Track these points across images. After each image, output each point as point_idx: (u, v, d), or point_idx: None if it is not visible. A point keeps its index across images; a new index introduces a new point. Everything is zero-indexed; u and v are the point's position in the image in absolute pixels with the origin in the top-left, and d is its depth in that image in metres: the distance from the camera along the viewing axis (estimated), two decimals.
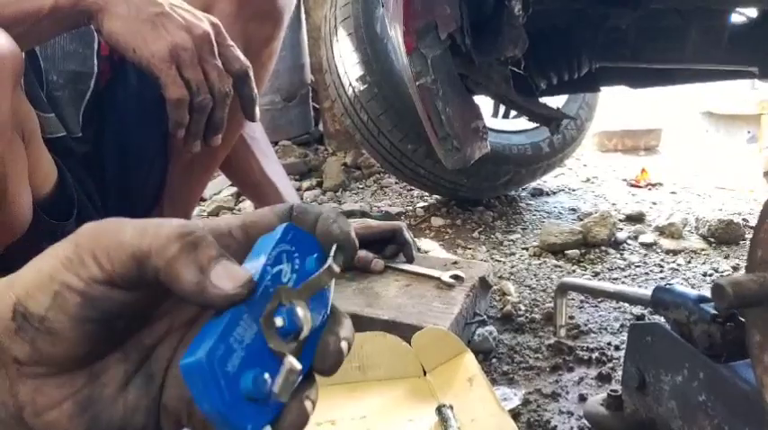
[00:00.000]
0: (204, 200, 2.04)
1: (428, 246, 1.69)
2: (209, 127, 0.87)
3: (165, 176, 1.26)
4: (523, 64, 0.87)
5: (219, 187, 2.11)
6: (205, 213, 1.97)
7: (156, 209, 1.30)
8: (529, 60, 0.83)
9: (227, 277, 0.31)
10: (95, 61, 1.06)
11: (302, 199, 2.06)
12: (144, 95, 1.11)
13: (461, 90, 0.70)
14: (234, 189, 2.11)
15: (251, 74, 0.89)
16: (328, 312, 0.35)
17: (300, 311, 0.33)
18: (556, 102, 1.90)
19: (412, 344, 0.96)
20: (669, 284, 0.80)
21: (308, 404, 0.34)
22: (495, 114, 2.01)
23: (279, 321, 0.32)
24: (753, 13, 1.13)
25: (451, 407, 0.84)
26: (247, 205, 2.00)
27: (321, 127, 2.70)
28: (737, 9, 1.13)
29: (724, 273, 1.47)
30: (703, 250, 1.62)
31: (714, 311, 0.70)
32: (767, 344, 0.41)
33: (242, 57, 0.87)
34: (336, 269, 0.34)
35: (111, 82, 1.11)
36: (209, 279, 0.31)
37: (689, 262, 1.56)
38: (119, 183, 1.20)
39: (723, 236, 1.63)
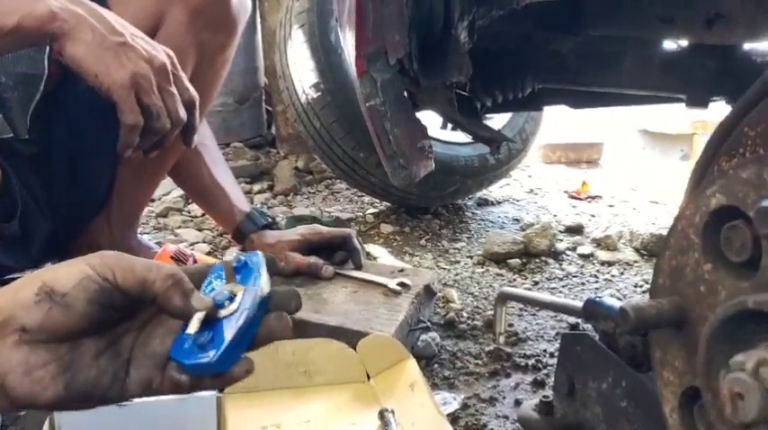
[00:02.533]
0: (153, 200, 2.02)
1: (377, 252, 1.73)
2: (156, 145, 0.92)
3: (114, 179, 1.26)
4: (468, 86, 0.92)
5: (169, 188, 2.09)
6: (153, 214, 1.95)
7: (104, 210, 1.30)
8: (475, 82, 0.88)
9: (199, 302, 0.50)
10: (46, 63, 1.06)
11: (252, 203, 2.07)
12: (93, 98, 1.11)
13: (409, 111, 0.73)
14: None
15: (197, 104, 0.94)
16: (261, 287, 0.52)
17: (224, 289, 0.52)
18: (503, 116, 1.97)
19: (357, 350, 0.99)
20: (599, 297, 0.86)
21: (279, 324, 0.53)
22: (444, 126, 2.06)
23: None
24: (684, 41, 1.21)
25: (393, 412, 0.88)
26: (196, 207, 2.00)
27: (273, 130, 2.71)
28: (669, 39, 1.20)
29: None
30: (636, 262, 1.71)
31: None
32: (666, 361, 0.46)
33: (191, 88, 0.92)
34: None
35: (61, 84, 1.10)
36: (191, 302, 0.50)
37: (622, 273, 1.64)
38: (67, 185, 1.19)
39: (654, 249, 1.73)
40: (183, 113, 0.89)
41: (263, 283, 0.51)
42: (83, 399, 0.48)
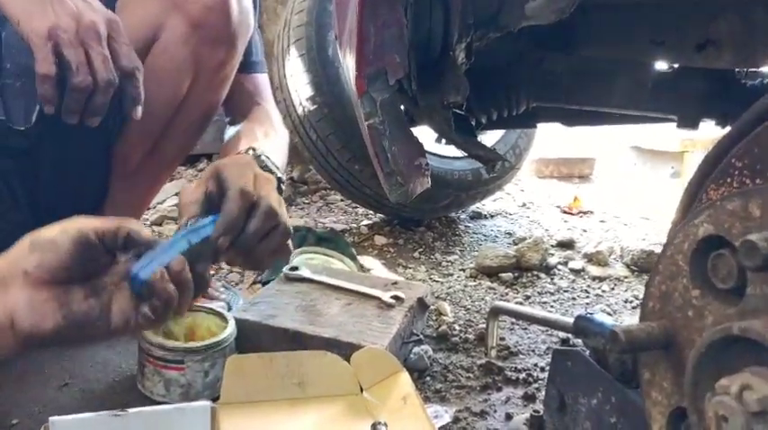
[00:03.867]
0: (149, 208, 2.03)
1: (371, 264, 1.74)
2: (87, 109, 0.89)
3: (106, 187, 1.26)
4: (464, 104, 0.94)
5: (164, 196, 2.10)
6: (148, 222, 1.96)
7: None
8: (470, 99, 0.90)
9: (149, 236, 0.68)
10: None
11: None
12: None
13: (407, 130, 0.75)
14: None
15: (139, 75, 0.92)
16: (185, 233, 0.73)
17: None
18: (497, 131, 2.00)
19: (351, 362, 1.00)
20: (590, 313, 0.87)
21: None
22: (439, 140, 2.08)
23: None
24: (676, 64, 1.23)
25: (386, 425, 0.89)
26: None
27: None
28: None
29: None
30: (626, 278, 1.73)
31: None
32: (654, 381, 0.47)
33: (134, 56, 0.91)
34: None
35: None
36: (145, 237, 0.66)
37: (613, 288, 1.66)
38: (53, 185, 1.18)
39: (644, 265, 1.75)
40: (112, 75, 0.87)
41: (189, 232, 0.72)
42: (78, 328, 0.60)
